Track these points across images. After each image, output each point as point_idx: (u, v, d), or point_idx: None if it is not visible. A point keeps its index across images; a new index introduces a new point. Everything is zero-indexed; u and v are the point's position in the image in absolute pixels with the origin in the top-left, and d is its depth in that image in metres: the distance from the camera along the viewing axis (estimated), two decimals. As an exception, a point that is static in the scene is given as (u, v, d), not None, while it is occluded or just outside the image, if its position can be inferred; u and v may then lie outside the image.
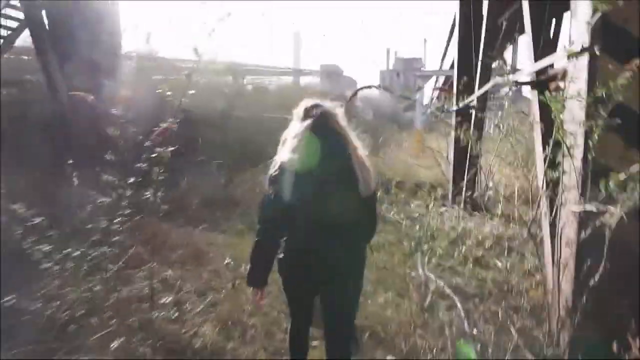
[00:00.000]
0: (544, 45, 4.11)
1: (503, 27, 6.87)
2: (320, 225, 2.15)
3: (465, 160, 7.31)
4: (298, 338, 2.54)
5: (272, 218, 2.24)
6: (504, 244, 5.89)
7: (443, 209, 7.39)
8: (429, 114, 29.49)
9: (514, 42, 8.16)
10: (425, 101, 27.04)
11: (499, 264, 5.16)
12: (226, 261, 4.38)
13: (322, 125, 2.22)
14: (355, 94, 21.02)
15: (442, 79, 26.09)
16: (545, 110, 3.58)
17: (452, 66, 23.28)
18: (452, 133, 7.81)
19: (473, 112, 6.77)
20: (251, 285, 2.40)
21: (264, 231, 2.29)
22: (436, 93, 29.00)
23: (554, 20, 4.54)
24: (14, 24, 9.09)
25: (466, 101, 6.87)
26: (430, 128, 25.89)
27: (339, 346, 2.36)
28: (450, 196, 7.87)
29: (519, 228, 6.39)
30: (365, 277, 3.92)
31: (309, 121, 2.25)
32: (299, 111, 2.34)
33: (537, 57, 3.97)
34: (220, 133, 10.48)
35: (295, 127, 2.29)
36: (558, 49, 4.14)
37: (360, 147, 2.33)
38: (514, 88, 4.07)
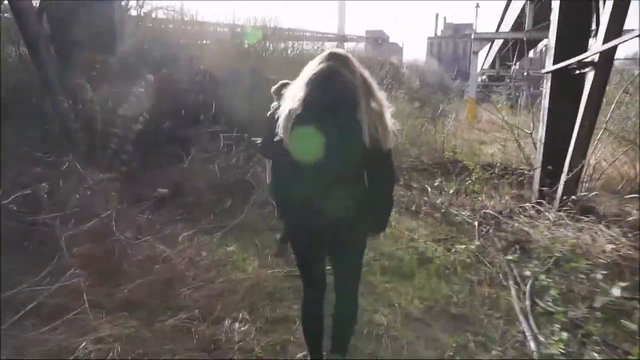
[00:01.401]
0: None
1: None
2: (324, 175, 1.90)
3: (565, 142, 5.03)
4: (311, 310, 2.20)
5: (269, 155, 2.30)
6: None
7: (527, 205, 5.20)
8: (481, 82, 26.43)
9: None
10: (479, 68, 23.88)
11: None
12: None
13: (331, 73, 1.89)
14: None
15: (499, 43, 22.92)
16: None
17: (513, 28, 20.30)
18: (545, 103, 5.48)
19: (591, 72, 4.46)
20: None
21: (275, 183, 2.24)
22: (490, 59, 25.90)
23: None
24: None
25: (583, 56, 4.55)
26: (482, 98, 23.09)
27: (349, 304, 2.18)
28: (536, 188, 5.63)
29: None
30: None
31: (318, 69, 1.91)
32: (315, 60, 1.97)
33: None
34: (246, 100, 8.52)
35: (306, 74, 1.94)
36: None
37: (379, 99, 1.94)
38: None
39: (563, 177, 4.94)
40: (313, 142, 1.83)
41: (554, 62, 5.23)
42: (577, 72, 4.97)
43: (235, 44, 11.52)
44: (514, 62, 25.04)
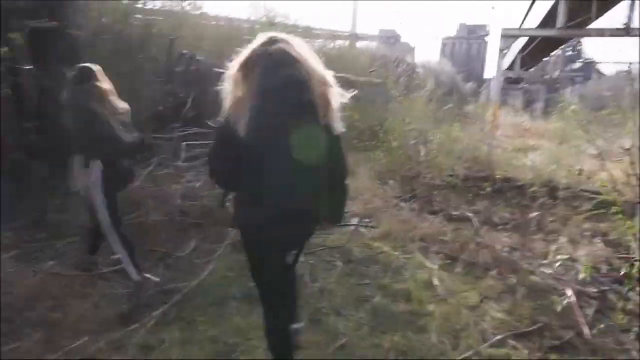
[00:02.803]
0: None
1: None
2: (283, 164, 1.61)
3: None
4: (278, 330, 1.83)
5: (222, 156, 1.73)
6: None
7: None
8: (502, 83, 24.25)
9: None
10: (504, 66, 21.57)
11: None
12: None
13: (278, 56, 1.66)
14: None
15: (520, 43, 20.78)
16: None
17: (540, 26, 18.18)
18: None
19: None
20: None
21: (216, 168, 1.79)
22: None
23: None
24: None
25: None
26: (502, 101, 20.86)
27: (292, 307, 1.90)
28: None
29: None
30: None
31: (265, 52, 1.67)
32: (254, 44, 1.73)
33: None
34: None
35: (250, 58, 1.69)
36: None
37: (327, 77, 1.70)
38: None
39: None
40: (272, 131, 1.60)
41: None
42: None
43: (239, 38, 9.72)
44: (534, 63, 23.03)
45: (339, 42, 20.71)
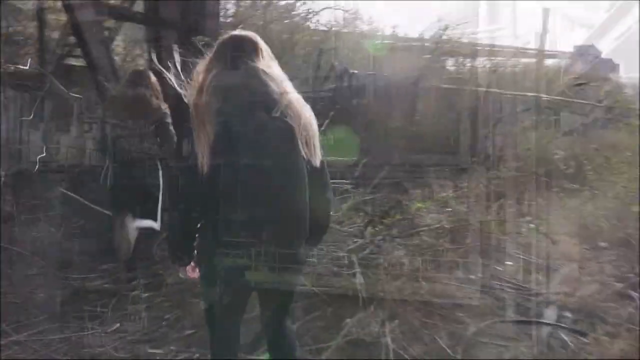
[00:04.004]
0: None
1: None
2: (257, 196, 1.40)
3: None
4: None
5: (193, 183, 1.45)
6: None
7: None
8: None
9: None
10: None
11: None
12: None
13: (239, 61, 1.46)
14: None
15: None
16: None
17: None
18: None
19: None
20: (179, 264, 1.61)
21: (186, 200, 1.52)
22: None
23: None
24: None
25: None
26: None
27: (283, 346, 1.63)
28: None
29: None
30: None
31: (224, 58, 1.49)
32: (216, 48, 1.55)
33: None
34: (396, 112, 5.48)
35: (210, 67, 1.49)
36: None
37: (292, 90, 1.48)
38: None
39: None
40: (238, 149, 1.38)
41: None
42: None
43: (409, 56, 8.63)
44: None
45: (524, 60, 17.93)
